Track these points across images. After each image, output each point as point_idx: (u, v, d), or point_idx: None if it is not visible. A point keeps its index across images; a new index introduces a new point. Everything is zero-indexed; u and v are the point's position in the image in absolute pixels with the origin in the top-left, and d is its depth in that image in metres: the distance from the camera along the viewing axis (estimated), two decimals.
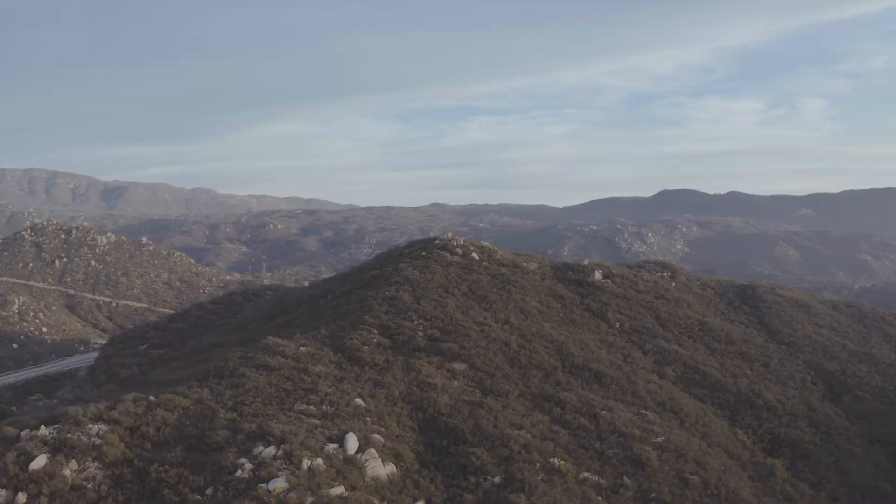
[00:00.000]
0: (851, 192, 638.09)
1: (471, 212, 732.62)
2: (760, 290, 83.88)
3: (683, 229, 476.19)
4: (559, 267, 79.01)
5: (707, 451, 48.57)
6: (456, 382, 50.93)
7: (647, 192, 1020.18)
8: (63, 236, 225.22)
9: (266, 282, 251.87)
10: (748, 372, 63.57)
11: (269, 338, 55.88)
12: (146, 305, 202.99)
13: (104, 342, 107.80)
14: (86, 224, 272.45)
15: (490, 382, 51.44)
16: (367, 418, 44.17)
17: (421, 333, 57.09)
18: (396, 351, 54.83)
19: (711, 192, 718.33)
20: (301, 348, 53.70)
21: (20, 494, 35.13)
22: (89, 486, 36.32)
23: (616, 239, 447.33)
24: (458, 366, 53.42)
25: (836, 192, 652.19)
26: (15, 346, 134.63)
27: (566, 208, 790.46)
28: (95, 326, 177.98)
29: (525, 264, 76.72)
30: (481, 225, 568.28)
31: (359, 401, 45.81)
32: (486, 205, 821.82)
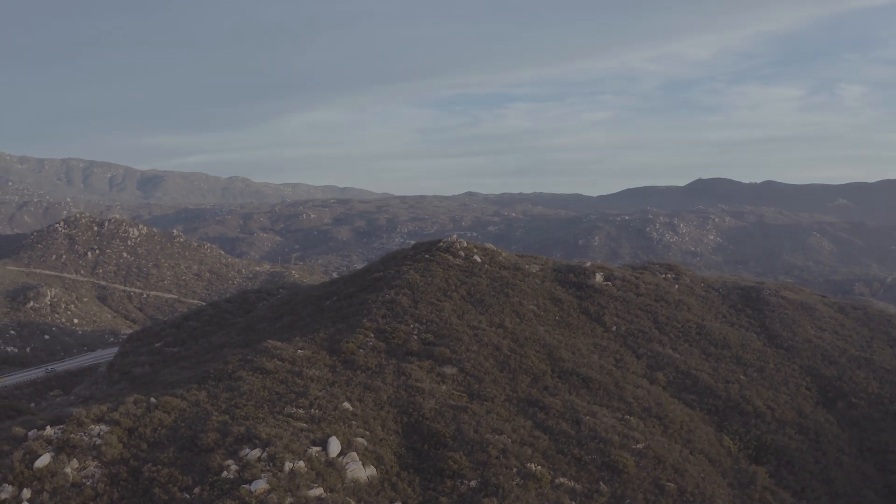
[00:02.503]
0: (889, 181, 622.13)
1: (503, 201, 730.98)
2: (765, 292, 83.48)
3: (716, 219, 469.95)
4: (561, 269, 79.79)
5: (687, 458, 49.46)
6: (444, 386, 52.50)
7: (683, 181, 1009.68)
8: (96, 229, 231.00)
9: (294, 273, 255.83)
10: (741, 377, 64.03)
11: (269, 341, 58.01)
12: (176, 296, 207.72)
13: (125, 336, 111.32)
14: (118, 216, 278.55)
15: (478, 387, 52.89)
16: (353, 422, 45.98)
17: (416, 337, 58.65)
18: (391, 354, 56.51)
19: (747, 182, 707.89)
20: (298, 351, 55.72)
21: (25, 490, 37.57)
22: (88, 483, 38.69)
23: (647, 229, 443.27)
24: (449, 370, 54.94)
25: (874, 181, 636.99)
26: (47, 337, 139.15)
27: (600, 197, 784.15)
28: (126, 317, 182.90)
29: (527, 266, 77.74)
30: (513, 214, 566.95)
31: (346, 405, 47.65)
32: (520, 193, 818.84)
